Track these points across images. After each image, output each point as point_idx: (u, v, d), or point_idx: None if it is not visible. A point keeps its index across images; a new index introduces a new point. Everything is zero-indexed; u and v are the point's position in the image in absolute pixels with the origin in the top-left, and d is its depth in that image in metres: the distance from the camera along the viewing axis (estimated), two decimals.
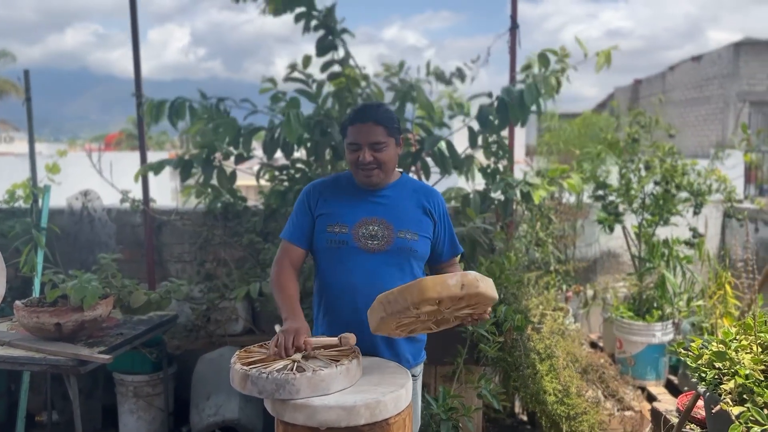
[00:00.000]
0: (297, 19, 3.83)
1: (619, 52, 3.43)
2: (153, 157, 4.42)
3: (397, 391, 1.90)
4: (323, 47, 3.86)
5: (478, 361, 3.14)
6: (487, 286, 1.89)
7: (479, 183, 3.86)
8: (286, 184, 3.81)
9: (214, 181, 3.85)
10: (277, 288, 2.24)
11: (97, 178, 3.98)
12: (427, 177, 3.82)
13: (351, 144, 2.20)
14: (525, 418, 3.89)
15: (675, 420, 3.21)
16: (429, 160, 3.76)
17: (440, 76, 4.12)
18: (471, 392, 3.10)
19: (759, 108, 15.36)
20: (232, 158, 3.83)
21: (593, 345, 4.74)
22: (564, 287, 4.46)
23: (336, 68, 3.93)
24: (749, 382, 2.10)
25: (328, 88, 4.04)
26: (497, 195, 3.70)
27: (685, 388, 3.88)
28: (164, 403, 3.67)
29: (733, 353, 2.25)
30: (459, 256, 2.51)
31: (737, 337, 2.39)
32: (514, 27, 3.85)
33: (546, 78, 3.35)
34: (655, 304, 4.36)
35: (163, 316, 3.45)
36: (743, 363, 2.17)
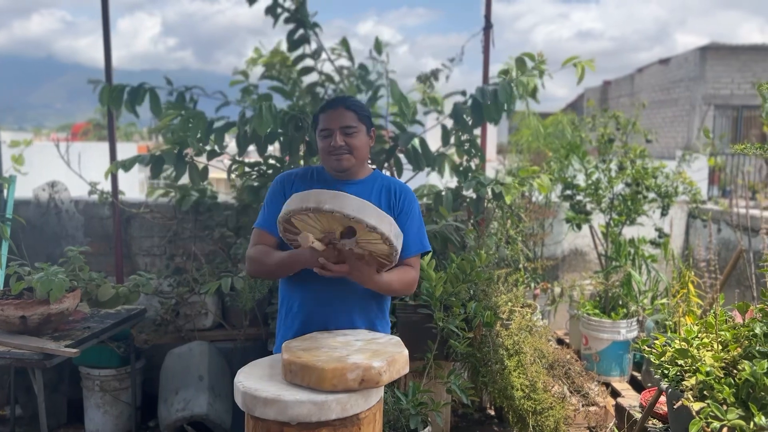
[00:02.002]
0: (267, 11, 3.81)
1: (589, 53, 3.52)
2: (121, 148, 4.35)
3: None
4: (295, 41, 3.85)
5: (448, 356, 3.18)
6: (392, 374, 1.91)
7: (452, 181, 3.90)
8: (256, 183, 3.79)
9: (186, 178, 3.79)
10: (263, 257, 2.22)
11: (64, 168, 3.91)
12: (400, 174, 3.84)
13: (322, 131, 2.20)
14: (493, 412, 3.94)
15: (638, 415, 3.29)
16: (402, 156, 3.78)
17: (424, 79, 4.15)
18: (440, 387, 3.13)
19: (723, 111, 15.72)
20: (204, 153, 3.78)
21: (560, 341, 4.82)
22: (532, 284, 4.52)
23: (308, 62, 3.93)
24: (710, 379, 2.16)
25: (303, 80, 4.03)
26: (469, 193, 3.74)
27: (649, 385, 3.97)
28: (131, 397, 3.63)
29: (695, 351, 2.32)
30: (429, 254, 2.52)
31: (699, 335, 2.46)
32: (487, 27, 3.89)
33: (519, 80, 3.38)
34: (620, 302, 4.45)
35: (131, 310, 3.41)
36: (704, 360, 2.24)
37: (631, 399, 3.77)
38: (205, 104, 3.74)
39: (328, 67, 4.02)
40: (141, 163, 3.55)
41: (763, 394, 2.04)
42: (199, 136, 3.48)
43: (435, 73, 4.26)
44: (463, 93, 3.68)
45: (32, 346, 2.70)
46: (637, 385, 4.21)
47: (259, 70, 4.13)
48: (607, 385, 4.19)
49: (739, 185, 7.45)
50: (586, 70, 3.55)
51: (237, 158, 3.77)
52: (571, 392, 3.70)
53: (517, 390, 3.21)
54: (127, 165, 3.53)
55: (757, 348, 2.20)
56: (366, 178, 2.31)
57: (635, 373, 4.36)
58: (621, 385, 4.20)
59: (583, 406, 3.65)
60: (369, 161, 2.48)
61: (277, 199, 2.26)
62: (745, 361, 2.13)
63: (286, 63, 4.05)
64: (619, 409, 3.57)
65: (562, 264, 5.37)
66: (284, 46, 3.95)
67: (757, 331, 2.24)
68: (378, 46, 4.11)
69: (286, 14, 3.81)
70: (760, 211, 4.20)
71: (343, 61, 4.12)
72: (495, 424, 3.83)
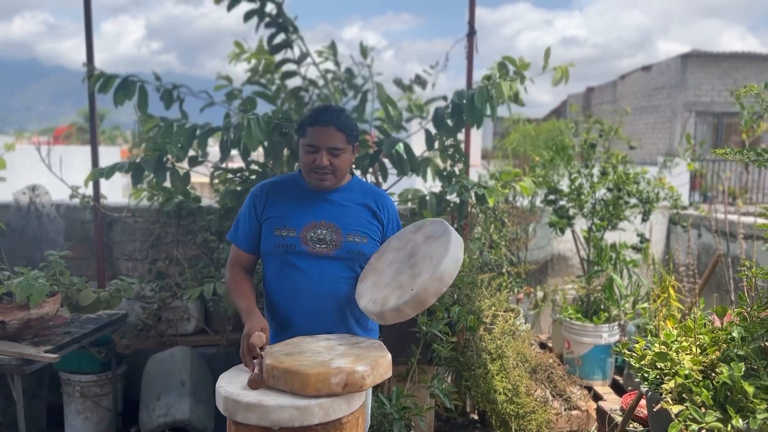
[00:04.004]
0: (246, 17, 3.81)
1: (572, 60, 3.55)
2: (104, 152, 4.31)
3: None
4: (276, 46, 3.85)
5: (432, 361, 3.18)
6: (376, 378, 1.91)
7: (436, 185, 3.91)
8: (239, 188, 3.78)
9: (167, 183, 3.76)
10: (232, 290, 2.27)
11: (46, 172, 3.87)
12: (384, 178, 3.85)
13: (309, 146, 2.18)
14: (476, 417, 3.95)
15: (619, 419, 3.32)
16: (386, 161, 3.79)
17: (400, 84, 4.18)
18: (424, 392, 3.14)
19: (704, 118, 15.94)
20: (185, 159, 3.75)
21: (542, 345, 4.85)
22: (515, 289, 4.55)
23: (291, 66, 3.93)
24: (688, 382, 2.19)
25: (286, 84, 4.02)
26: (453, 197, 3.75)
27: (629, 388, 4.01)
28: (112, 403, 3.60)
29: (674, 354, 2.34)
30: None
31: (678, 338, 2.49)
32: (471, 33, 3.91)
33: (498, 84, 3.40)
34: (602, 306, 4.49)
35: (113, 314, 3.38)
36: (683, 363, 2.27)
37: (612, 403, 3.79)
38: (191, 104, 3.73)
39: (312, 72, 4.03)
40: (120, 171, 3.52)
41: (740, 396, 2.07)
42: (180, 145, 3.46)
43: (420, 81, 4.29)
44: (444, 98, 3.71)
45: (11, 352, 2.67)
46: (619, 389, 4.25)
47: (242, 68, 4.11)
48: (590, 388, 4.22)
49: (719, 191, 7.55)
50: (570, 76, 3.59)
51: (220, 164, 3.75)
52: (553, 396, 3.73)
53: (500, 394, 3.22)
54: (106, 173, 3.49)
55: (735, 351, 2.23)
56: (345, 185, 2.31)
57: (617, 377, 4.40)
58: (603, 388, 4.23)
59: (565, 410, 3.68)
60: (353, 165, 2.49)
61: (249, 217, 2.29)
62: (723, 365, 2.16)
63: (269, 67, 4.04)
64: (601, 413, 3.60)
65: (545, 268, 5.40)
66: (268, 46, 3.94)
67: (735, 334, 2.27)
68: (363, 51, 4.13)
69: (267, 19, 3.81)
70: (738, 216, 4.26)
71: (329, 65, 4.14)
72: (478, 429, 3.84)
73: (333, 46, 4.11)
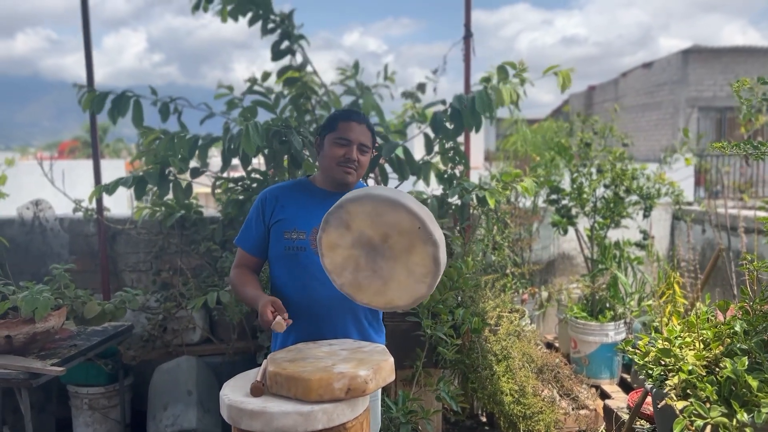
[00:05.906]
0: (251, 22, 3.82)
1: (574, 59, 3.59)
2: (109, 165, 4.34)
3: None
4: (279, 52, 3.87)
5: (437, 364, 3.18)
6: (379, 382, 1.91)
7: (437, 189, 3.92)
8: (241, 197, 3.79)
9: (170, 195, 3.78)
10: (237, 285, 2.28)
11: (51, 187, 3.90)
12: (385, 183, 3.85)
13: (341, 138, 2.21)
14: (484, 419, 3.94)
15: (626, 417, 3.31)
16: (387, 166, 3.80)
17: (409, 95, 4.22)
18: (430, 395, 3.14)
19: (707, 113, 15.89)
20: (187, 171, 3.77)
21: (549, 345, 4.84)
22: (520, 289, 4.54)
23: (294, 73, 3.94)
24: (692, 378, 2.18)
25: (286, 92, 4.05)
26: (454, 200, 3.75)
27: (636, 386, 3.99)
28: (120, 415, 3.61)
29: (677, 350, 2.34)
30: None
31: (681, 334, 2.49)
32: (468, 36, 3.92)
33: (498, 88, 3.41)
34: (607, 305, 4.48)
35: (118, 326, 3.40)
36: (687, 359, 2.26)
37: (620, 401, 3.79)
38: (190, 116, 3.74)
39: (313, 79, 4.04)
40: (124, 186, 3.54)
41: (744, 390, 2.06)
42: (181, 156, 3.48)
43: (421, 87, 4.34)
44: (443, 102, 3.73)
45: (18, 366, 2.69)
46: (626, 387, 4.23)
47: (244, 77, 4.15)
48: (597, 387, 4.21)
49: (722, 186, 7.52)
50: (570, 77, 3.59)
51: (221, 173, 3.77)
52: (560, 396, 3.72)
53: (507, 395, 3.22)
54: (110, 189, 3.51)
55: (738, 346, 2.23)
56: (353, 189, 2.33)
57: (625, 375, 4.38)
58: (611, 387, 4.22)
59: (573, 409, 3.67)
60: None
61: (257, 221, 2.29)
62: (727, 359, 2.15)
63: (267, 76, 4.07)
64: (608, 411, 3.59)
65: (549, 268, 5.40)
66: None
67: (738, 329, 2.27)
68: (385, 72, 4.20)
69: (271, 24, 3.83)
70: (738, 210, 4.24)
71: (341, 77, 4.19)
72: (487, 431, 3.83)
73: (356, 65, 4.18)
